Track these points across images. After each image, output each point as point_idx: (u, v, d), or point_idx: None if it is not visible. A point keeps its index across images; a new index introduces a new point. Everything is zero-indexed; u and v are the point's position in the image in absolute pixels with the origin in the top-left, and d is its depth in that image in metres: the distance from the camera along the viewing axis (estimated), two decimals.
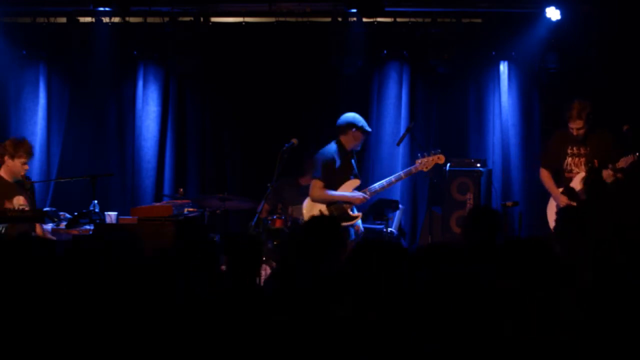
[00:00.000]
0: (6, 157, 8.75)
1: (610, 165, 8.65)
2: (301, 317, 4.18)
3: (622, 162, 8.58)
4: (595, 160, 8.77)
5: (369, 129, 9.38)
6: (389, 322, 3.96)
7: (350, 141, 9.23)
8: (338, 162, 9.13)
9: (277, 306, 4.42)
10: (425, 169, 9.30)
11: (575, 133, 8.92)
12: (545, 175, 9.22)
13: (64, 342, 4.03)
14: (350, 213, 9.15)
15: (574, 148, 8.96)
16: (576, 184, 8.93)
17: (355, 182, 9.24)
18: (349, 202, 9.12)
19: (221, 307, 4.38)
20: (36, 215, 8.53)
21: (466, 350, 3.82)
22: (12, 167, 8.74)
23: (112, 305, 4.21)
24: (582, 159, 8.87)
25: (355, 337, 3.95)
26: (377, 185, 9.25)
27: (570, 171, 8.95)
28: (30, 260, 4.44)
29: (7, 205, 8.60)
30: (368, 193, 9.17)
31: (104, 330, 4.09)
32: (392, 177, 9.32)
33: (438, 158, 9.28)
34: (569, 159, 8.98)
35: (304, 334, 4.05)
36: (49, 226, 8.78)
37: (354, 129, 9.22)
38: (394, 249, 4.43)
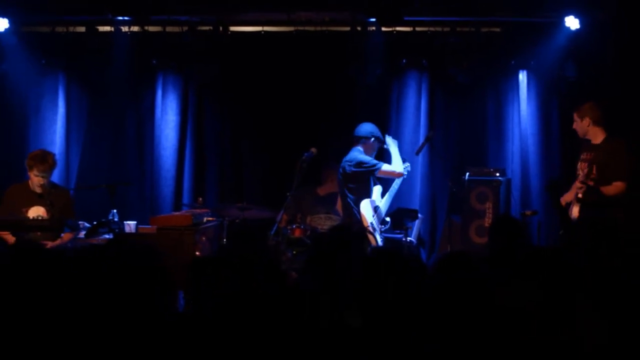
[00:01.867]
0: (28, 171, 8.85)
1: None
2: (315, 323, 4.18)
3: None
4: (594, 166, 8.72)
5: (383, 139, 9.63)
6: (401, 331, 3.95)
7: (368, 150, 9.49)
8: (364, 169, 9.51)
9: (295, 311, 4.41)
10: None
11: (580, 136, 8.98)
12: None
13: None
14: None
15: (585, 153, 8.94)
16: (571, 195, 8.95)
17: (378, 188, 9.59)
18: None
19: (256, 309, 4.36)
20: (54, 224, 8.54)
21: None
22: (31, 178, 8.81)
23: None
24: (585, 164, 8.86)
25: (369, 345, 3.95)
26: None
27: (579, 176, 8.93)
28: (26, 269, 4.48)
29: (25, 214, 8.65)
30: None
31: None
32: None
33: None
34: (579, 164, 8.97)
35: (319, 341, 4.06)
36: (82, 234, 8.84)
37: (372, 139, 9.49)
38: (408, 259, 4.45)
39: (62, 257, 4.51)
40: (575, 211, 8.70)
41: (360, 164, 9.63)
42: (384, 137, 9.93)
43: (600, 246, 6.05)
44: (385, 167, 9.71)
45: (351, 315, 4.15)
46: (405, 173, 9.82)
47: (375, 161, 9.67)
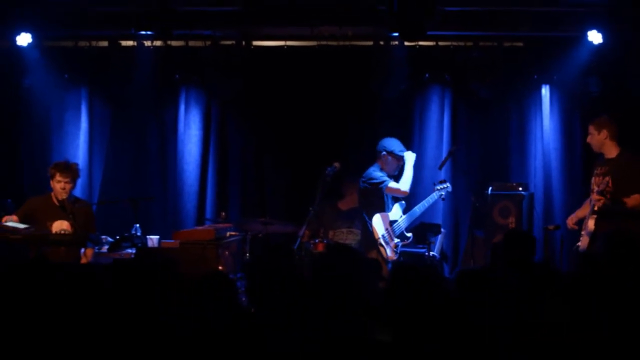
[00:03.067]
0: (50, 180, 8.82)
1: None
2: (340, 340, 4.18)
3: None
4: (610, 180, 8.71)
5: (400, 154, 9.61)
6: (423, 344, 3.94)
7: (385, 165, 9.54)
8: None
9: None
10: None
11: (595, 150, 9.03)
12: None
13: None
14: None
15: (599, 168, 8.97)
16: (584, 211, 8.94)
17: (400, 204, 9.65)
18: None
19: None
20: (77, 239, 8.51)
21: None
22: (54, 189, 8.79)
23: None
24: (600, 179, 8.84)
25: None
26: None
27: (592, 190, 8.91)
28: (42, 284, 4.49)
29: (49, 228, 8.63)
30: None
31: None
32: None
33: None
34: (593, 179, 8.99)
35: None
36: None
37: (383, 153, 9.58)
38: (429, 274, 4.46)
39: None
40: (590, 224, 8.70)
41: (370, 179, 9.81)
42: (405, 152, 9.93)
43: (620, 257, 6.05)
44: (391, 184, 9.80)
45: (380, 330, 4.15)
46: (444, 193, 9.82)
47: (383, 178, 9.78)
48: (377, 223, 9.75)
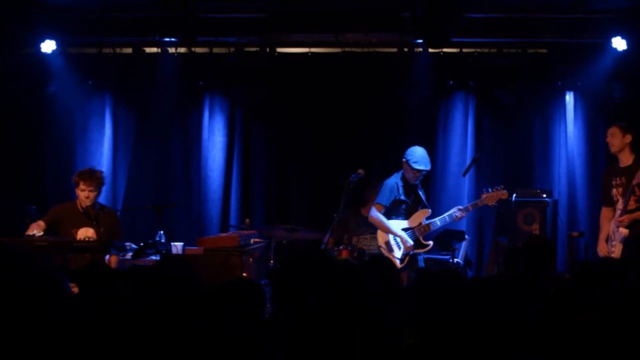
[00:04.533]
0: (75, 188, 8.82)
1: None
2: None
3: None
4: (636, 188, 8.71)
5: (415, 167, 9.33)
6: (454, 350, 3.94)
7: (405, 172, 9.39)
8: (401, 191, 9.36)
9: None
10: (490, 204, 9.34)
11: (613, 151, 9.11)
12: (602, 215, 9.28)
13: None
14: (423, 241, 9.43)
15: (617, 179, 8.98)
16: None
17: (425, 212, 9.57)
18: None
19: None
20: (102, 246, 8.50)
21: None
22: (78, 197, 8.78)
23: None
24: (620, 189, 8.85)
25: None
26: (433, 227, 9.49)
27: (617, 201, 8.91)
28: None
29: (74, 235, 8.64)
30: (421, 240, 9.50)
31: None
32: (446, 216, 9.45)
33: (502, 194, 9.32)
34: (614, 190, 8.99)
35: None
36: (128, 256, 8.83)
37: (403, 159, 9.35)
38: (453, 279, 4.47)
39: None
40: (623, 231, 8.70)
41: (380, 185, 9.61)
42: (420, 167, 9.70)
43: None
44: (373, 212, 9.51)
45: (407, 334, 4.16)
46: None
47: (384, 196, 9.48)
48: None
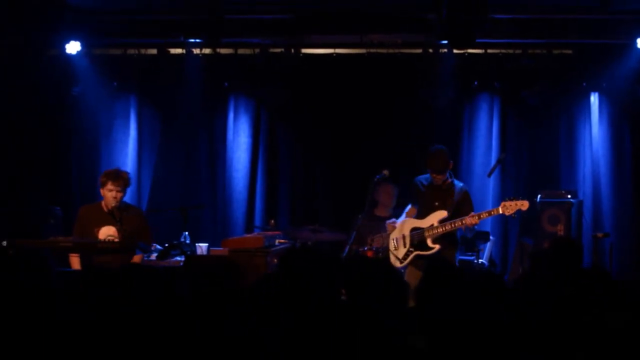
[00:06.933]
0: (101, 188, 8.79)
1: None
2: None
3: None
4: None
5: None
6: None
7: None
8: (422, 190, 9.08)
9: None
10: (507, 213, 9.05)
11: None
12: None
13: None
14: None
15: None
16: None
17: (442, 214, 9.04)
18: None
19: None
20: (125, 246, 8.48)
21: None
22: (104, 197, 8.76)
23: None
24: None
25: None
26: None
27: None
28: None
29: (97, 234, 8.62)
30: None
31: None
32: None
33: (522, 204, 9.05)
34: None
35: None
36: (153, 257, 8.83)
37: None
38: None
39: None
40: None
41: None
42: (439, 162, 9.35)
43: None
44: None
45: (416, 337, 4.16)
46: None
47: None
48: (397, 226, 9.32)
